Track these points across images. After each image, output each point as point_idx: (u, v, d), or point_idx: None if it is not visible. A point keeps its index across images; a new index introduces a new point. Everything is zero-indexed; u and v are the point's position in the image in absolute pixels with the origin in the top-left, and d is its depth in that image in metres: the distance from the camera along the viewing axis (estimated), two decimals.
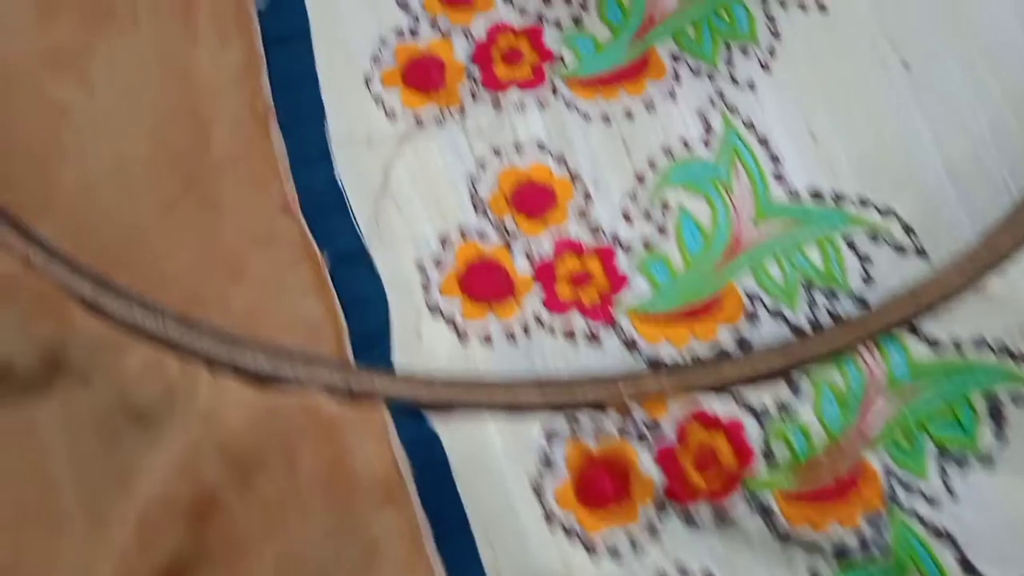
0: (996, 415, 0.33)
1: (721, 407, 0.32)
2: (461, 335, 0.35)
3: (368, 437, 0.31)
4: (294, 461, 0.31)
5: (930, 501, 0.33)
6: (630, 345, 0.35)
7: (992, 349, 0.33)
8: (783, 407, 0.33)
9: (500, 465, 0.32)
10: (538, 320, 0.35)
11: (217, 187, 0.37)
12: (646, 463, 0.32)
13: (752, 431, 0.32)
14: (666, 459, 0.32)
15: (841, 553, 0.32)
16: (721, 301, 0.36)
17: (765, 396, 0.33)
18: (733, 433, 0.32)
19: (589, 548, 0.32)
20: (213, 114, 0.38)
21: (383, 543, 0.30)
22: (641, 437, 0.32)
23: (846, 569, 0.32)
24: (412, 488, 0.31)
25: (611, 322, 0.35)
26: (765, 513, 0.32)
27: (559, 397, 0.33)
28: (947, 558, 0.32)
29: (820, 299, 0.36)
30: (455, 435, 0.32)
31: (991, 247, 0.35)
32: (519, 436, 0.32)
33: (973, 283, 0.34)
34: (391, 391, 0.32)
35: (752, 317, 0.35)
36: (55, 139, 0.38)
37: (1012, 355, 0.33)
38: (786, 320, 0.35)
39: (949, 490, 0.33)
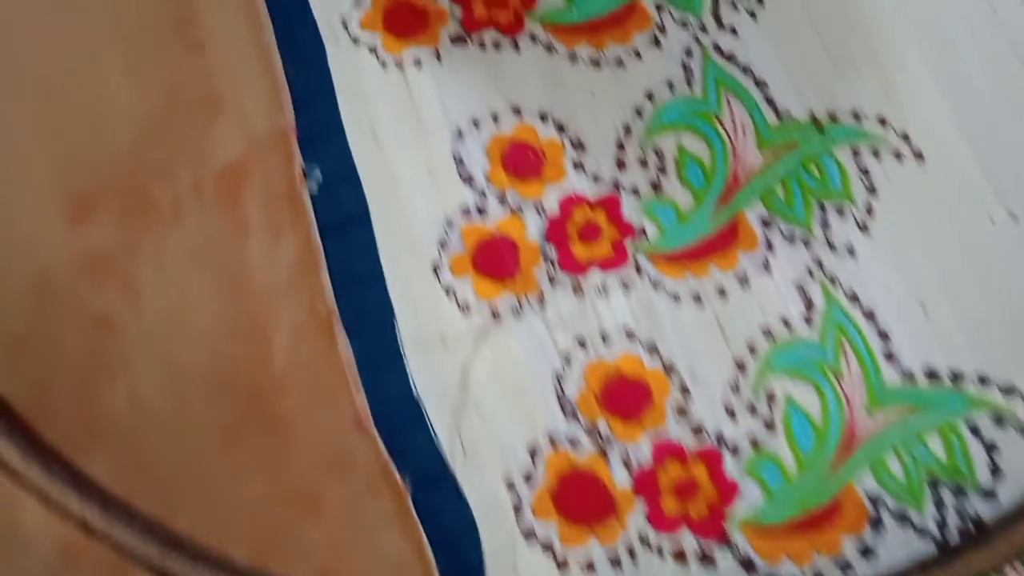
0: None
1: None
2: (560, 564, 0.33)
3: None
4: None
5: None
6: (747, 565, 0.32)
7: None
8: None
9: None
10: (644, 541, 0.33)
11: (282, 405, 0.34)
12: None
13: None
14: None
15: None
16: (841, 506, 0.33)
17: None
18: None
19: None
20: (272, 319, 0.35)
21: None
22: None
23: None
24: None
25: (724, 539, 0.33)
26: None
27: None
28: None
29: (948, 498, 0.33)
30: None
31: None
32: None
33: None
34: None
35: (876, 524, 0.33)
36: (100, 358, 0.35)
37: None
38: (913, 524, 0.33)
39: None
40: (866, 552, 0.32)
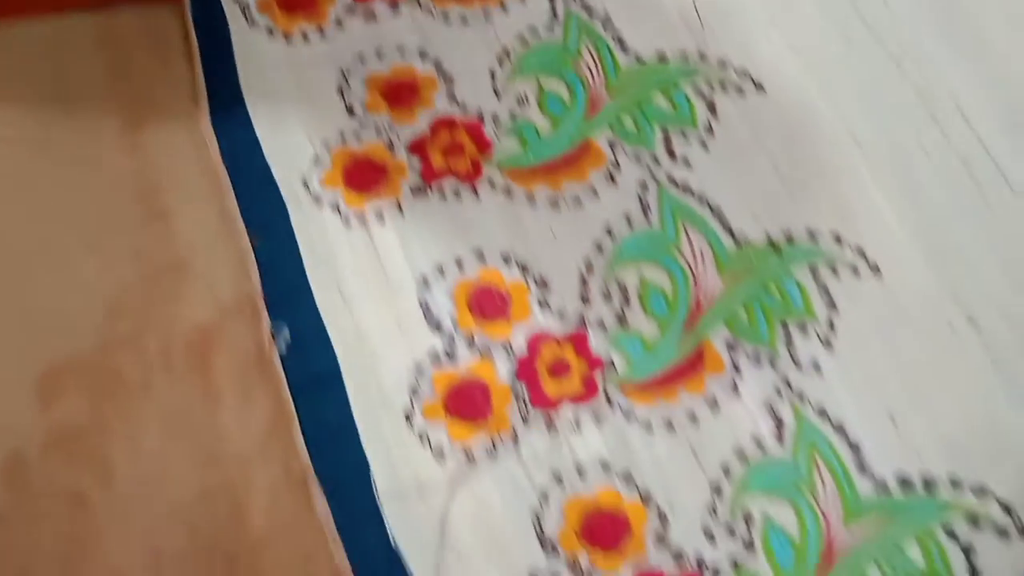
0: None
1: None
2: None
3: None
4: None
5: None
6: None
7: None
8: None
9: None
10: None
11: (261, 568, 0.36)
12: None
13: None
14: None
15: None
16: None
17: None
18: None
19: None
20: (247, 484, 0.37)
21: None
22: None
23: None
24: None
25: None
26: None
27: None
28: None
29: None
30: None
31: None
32: None
33: None
34: None
35: None
36: (76, 538, 0.37)
37: None
38: None
39: None
40: None
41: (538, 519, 0.37)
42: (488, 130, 0.42)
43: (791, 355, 0.39)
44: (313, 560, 0.36)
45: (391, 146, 0.42)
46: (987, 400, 0.39)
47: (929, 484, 0.37)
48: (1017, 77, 0.43)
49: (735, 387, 0.39)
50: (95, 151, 0.42)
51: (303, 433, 0.38)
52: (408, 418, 0.39)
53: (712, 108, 0.43)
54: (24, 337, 0.40)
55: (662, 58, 0.44)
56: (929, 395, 0.39)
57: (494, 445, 0.38)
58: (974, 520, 0.36)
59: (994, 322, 0.40)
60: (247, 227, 0.41)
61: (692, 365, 0.39)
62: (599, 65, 0.43)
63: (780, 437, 0.38)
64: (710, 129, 0.42)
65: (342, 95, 0.43)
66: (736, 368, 0.39)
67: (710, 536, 0.37)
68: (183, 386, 0.39)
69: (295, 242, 0.41)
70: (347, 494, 0.37)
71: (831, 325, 0.40)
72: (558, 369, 0.39)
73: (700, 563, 0.36)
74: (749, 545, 0.36)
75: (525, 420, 0.38)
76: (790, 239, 0.41)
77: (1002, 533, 0.36)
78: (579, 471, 0.38)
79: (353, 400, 0.39)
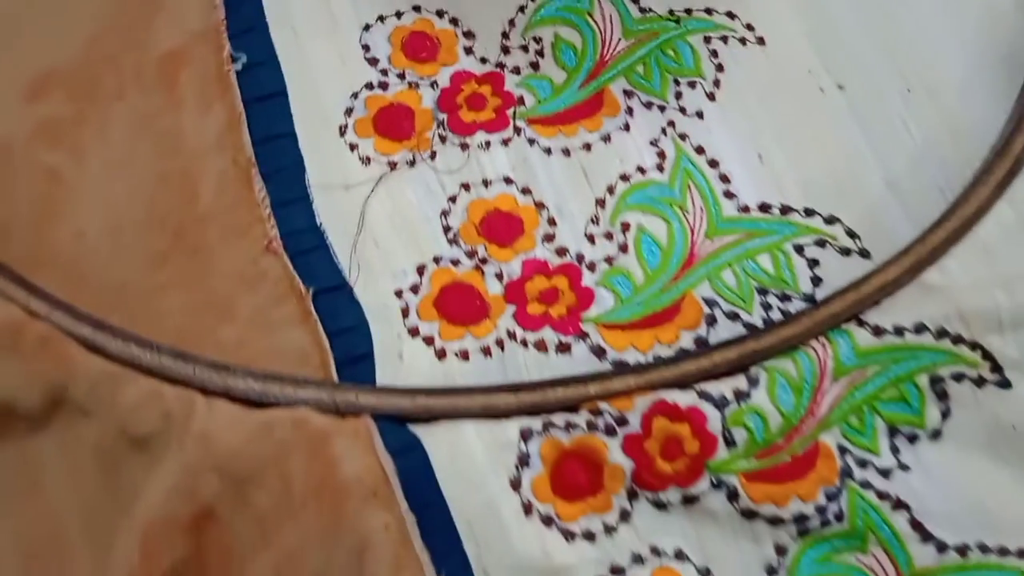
0: (940, 393, 0.38)
1: (683, 399, 0.37)
2: (439, 354, 0.40)
3: (355, 446, 0.36)
4: (286, 473, 0.36)
5: (883, 473, 0.37)
6: (598, 353, 0.40)
7: (931, 333, 0.38)
8: (741, 396, 0.37)
9: (480, 464, 0.36)
10: (511, 335, 0.40)
11: (205, 236, 0.42)
12: (616, 454, 0.36)
13: (713, 419, 0.37)
14: (634, 449, 0.36)
15: (802, 526, 0.36)
16: (681, 308, 0.40)
17: (724, 388, 0.37)
18: (695, 422, 0.37)
19: (566, 535, 0.36)
20: (199, 172, 0.43)
21: (373, 541, 0.34)
22: (610, 431, 0.37)
23: (809, 541, 0.36)
24: (398, 490, 0.35)
25: (580, 333, 0.40)
26: (730, 494, 0.36)
27: (533, 399, 0.37)
28: (901, 523, 0.36)
29: (774, 301, 0.41)
30: (437, 440, 0.37)
31: (926, 243, 0.39)
32: (497, 437, 0.37)
33: (911, 276, 0.39)
34: (374, 404, 0.37)
35: (711, 321, 0.40)
36: (49, 203, 0.43)
37: (950, 337, 0.38)
38: (742, 322, 0.40)
39: (900, 463, 0.37)
40: (701, 343, 0.40)
41: (445, 216, 0.43)
42: None
43: (679, 105, 0.45)
44: (248, 232, 0.42)
45: None
46: (847, 151, 0.44)
47: (787, 210, 0.43)
48: None
49: (627, 127, 0.45)
50: None
51: (251, 135, 0.44)
52: (342, 131, 0.45)
53: None
54: (17, 48, 0.46)
55: None
56: (796, 143, 0.44)
57: (414, 159, 0.44)
58: (821, 241, 0.42)
59: (859, 88, 0.45)
60: None
61: (592, 106, 0.45)
62: None
63: (661, 168, 0.44)
64: None
65: None
66: (630, 112, 0.45)
67: (591, 239, 0.42)
68: (152, 95, 0.45)
69: None
70: (283, 183, 0.43)
71: (716, 83, 0.45)
72: (475, 102, 0.45)
73: (580, 258, 0.42)
74: (623, 248, 0.42)
75: (443, 140, 0.44)
76: (689, 12, 0.47)
77: (845, 252, 0.42)
78: (485, 183, 0.44)
79: (295, 114, 0.45)
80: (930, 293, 0.39)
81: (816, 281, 0.41)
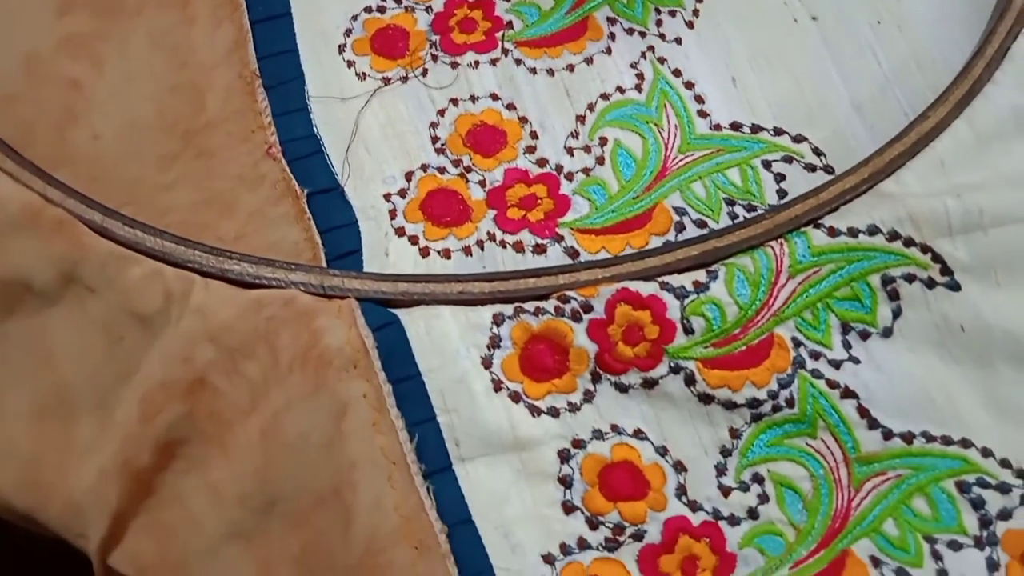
0: (891, 293, 0.39)
1: (645, 288, 0.39)
2: (423, 252, 0.42)
3: (338, 321, 0.38)
4: (275, 346, 0.38)
5: (834, 364, 0.39)
6: (572, 255, 0.42)
7: (884, 235, 0.40)
8: (700, 287, 0.39)
9: (454, 343, 0.38)
10: (491, 237, 0.42)
11: (210, 141, 0.44)
12: (581, 337, 0.38)
13: (672, 308, 0.39)
14: (598, 333, 0.38)
15: (755, 411, 0.38)
16: (652, 216, 0.42)
17: (684, 280, 0.39)
18: (656, 309, 0.38)
19: (532, 410, 0.38)
20: (208, 84, 0.45)
21: (352, 407, 0.37)
22: (576, 316, 0.39)
23: (762, 426, 0.38)
24: (376, 362, 0.37)
25: (555, 236, 0.42)
26: (687, 378, 0.38)
27: (506, 287, 0.39)
28: (849, 410, 0.38)
29: (740, 212, 0.42)
30: (414, 319, 0.39)
31: (884, 156, 0.41)
32: (471, 319, 0.39)
33: (868, 185, 0.41)
34: (358, 288, 0.39)
35: (680, 228, 0.42)
36: (70, 108, 0.45)
37: (901, 240, 0.40)
38: (710, 229, 0.42)
39: (852, 357, 0.39)
40: (667, 245, 0.42)
41: (433, 128, 0.45)
42: None
43: (659, 31, 0.47)
44: (250, 138, 0.45)
45: None
46: (817, 77, 0.46)
47: (756, 130, 0.45)
48: None
49: (608, 50, 0.46)
50: None
51: (256, 52, 0.46)
52: (340, 50, 0.47)
53: None
54: None
55: None
56: (769, 69, 0.46)
57: (407, 75, 0.46)
58: (788, 158, 0.44)
59: (831, 19, 0.47)
60: None
61: (576, 31, 0.47)
62: None
63: (639, 88, 0.46)
64: None
65: None
66: (612, 37, 0.47)
67: (570, 151, 0.44)
68: (168, 12, 0.48)
69: None
70: (284, 95, 0.45)
71: (695, 12, 0.47)
72: (467, 25, 0.47)
73: (559, 168, 0.44)
74: (600, 160, 0.44)
75: (435, 60, 0.46)
76: None
77: (810, 168, 0.43)
78: (472, 99, 0.46)
79: (298, 33, 0.47)
80: (885, 200, 0.40)
81: (782, 194, 0.43)
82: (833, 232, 0.40)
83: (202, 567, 0.37)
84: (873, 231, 0.40)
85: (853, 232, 0.40)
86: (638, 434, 0.38)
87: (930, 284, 0.39)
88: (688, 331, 0.38)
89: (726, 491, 0.37)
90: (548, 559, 0.36)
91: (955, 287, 0.39)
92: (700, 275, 0.39)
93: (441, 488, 0.36)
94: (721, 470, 0.38)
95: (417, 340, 0.38)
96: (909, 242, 0.39)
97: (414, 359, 0.38)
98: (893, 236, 0.39)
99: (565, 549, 0.36)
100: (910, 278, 0.39)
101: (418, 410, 0.37)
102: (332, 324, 0.38)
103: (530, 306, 0.39)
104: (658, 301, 0.39)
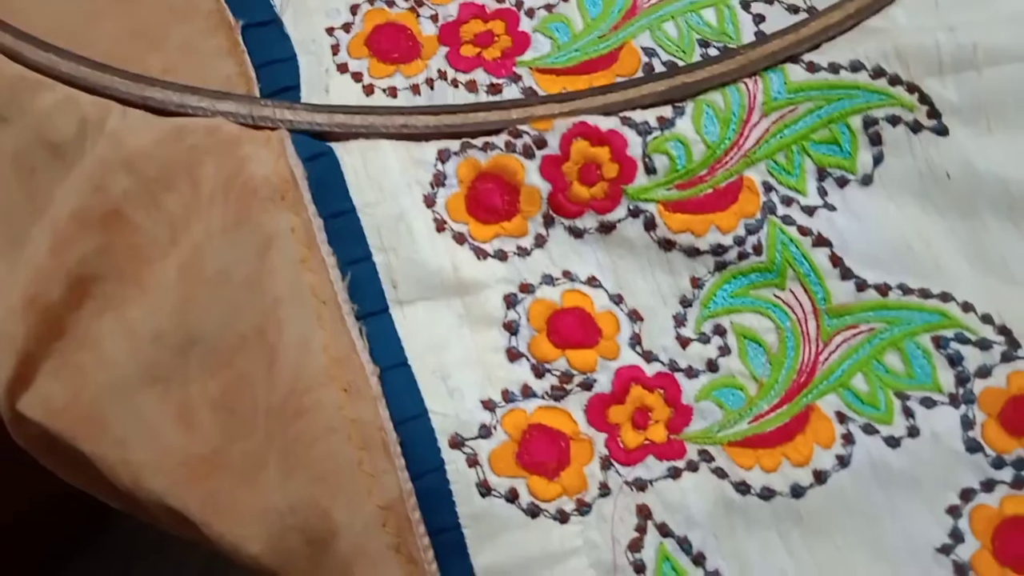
0: (873, 137, 0.37)
1: (605, 123, 0.36)
2: (366, 90, 0.39)
3: (266, 150, 0.35)
4: (196, 178, 0.35)
5: (807, 211, 0.36)
6: (529, 94, 0.38)
7: (868, 71, 0.37)
8: (665, 123, 0.36)
9: (394, 179, 0.35)
10: (442, 75, 0.39)
11: None
12: (533, 176, 0.35)
13: (634, 144, 0.36)
14: (552, 171, 0.35)
15: (719, 258, 0.35)
16: (619, 56, 0.39)
17: (648, 115, 0.36)
18: (615, 145, 0.36)
19: (478, 253, 0.35)
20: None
21: (277, 241, 0.34)
22: (528, 152, 0.36)
23: (726, 275, 0.35)
24: (307, 194, 0.35)
25: (512, 75, 0.39)
26: (647, 222, 0.35)
27: (453, 121, 0.36)
28: (821, 258, 0.35)
29: (714, 52, 0.39)
30: (351, 152, 0.36)
31: None
32: (413, 155, 0.36)
33: (854, 21, 0.37)
34: (291, 119, 0.36)
35: (648, 70, 0.39)
36: None
37: (887, 77, 0.37)
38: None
39: (827, 204, 0.36)
40: (632, 80, 0.38)
41: None
42: None
43: None
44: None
45: None
46: None
47: None
48: None
49: None
50: None
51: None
52: None
53: None
54: None
55: None
56: None
57: None
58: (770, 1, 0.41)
59: None
60: None
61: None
62: None
63: None
64: None
65: None
66: None
67: None
68: None
69: None
70: None
71: None
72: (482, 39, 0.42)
73: (519, 4, 0.40)
74: None
75: None
76: None
77: (792, 10, 0.40)
78: None
79: None
80: (871, 35, 0.37)
81: (759, 35, 0.40)
82: (812, 68, 0.37)
83: (117, 412, 0.35)
84: (856, 67, 0.37)
85: (834, 68, 0.37)
86: (592, 281, 0.35)
87: (915, 127, 0.37)
88: (650, 170, 0.36)
89: (684, 342, 0.35)
90: (488, 405, 0.33)
91: (942, 131, 0.37)
92: (666, 111, 0.36)
93: (376, 331, 0.34)
94: (680, 320, 0.35)
95: (353, 173, 0.35)
96: (895, 80, 0.36)
97: (348, 193, 0.35)
98: (878, 73, 0.36)
99: (507, 396, 0.33)
100: (894, 120, 0.36)
101: (352, 248, 0.34)
102: (259, 153, 0.35)
103: (479, 141, 0.36)
104: (618, 137, 0.36)
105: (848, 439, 0.34)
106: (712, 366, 0.35)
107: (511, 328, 0.34)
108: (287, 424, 0.32)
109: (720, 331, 0.35)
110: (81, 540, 0.72)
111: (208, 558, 0.54)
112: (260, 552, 0.32)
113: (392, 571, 0.31)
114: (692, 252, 0.35)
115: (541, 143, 0.36)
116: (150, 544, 0.70)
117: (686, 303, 0.35)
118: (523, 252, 0.35)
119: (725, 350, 0.35)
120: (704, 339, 0.35)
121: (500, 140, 0.36)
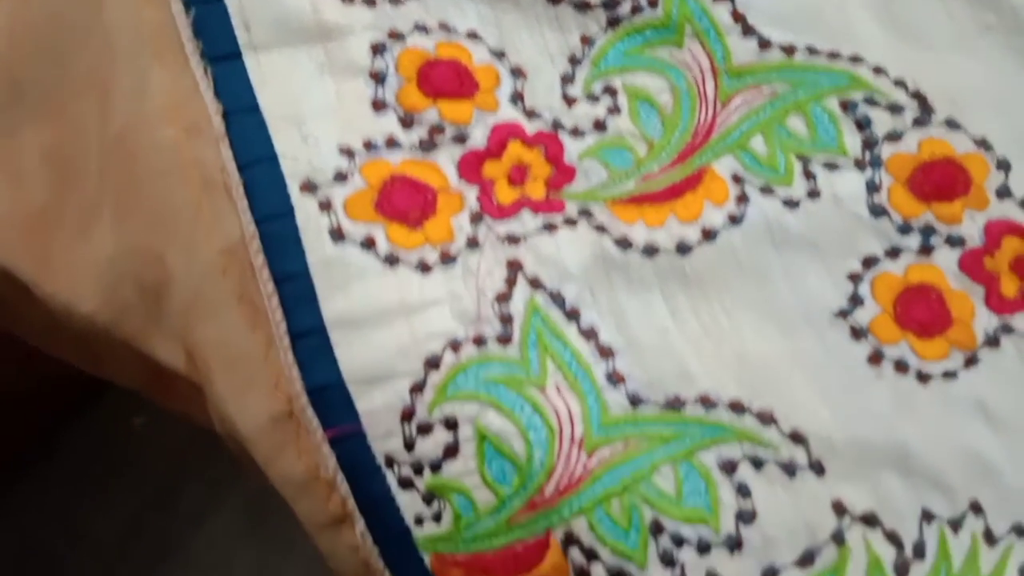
0: None
1: None
2: None
3: None
4: None
5: None
6: None
7: None
8: None
9: None
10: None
11: None
12: None
13: None
14: None
15: (612, 13, 0.33)
16: None
17: None
18: None
19: None
20: None
21: None
22: None
23: (620, 33, 0.33)
24: None
25: None
26: None
27: None
28: (722, 14, 0.33)
29: None
30: None
31: None
32: None
33: None
34: None
35: None
36: None
37: None
38: None
39: None
40: None
41: None
42: None
43: None
44: None
45: None
46: None
47: None
48: None
49: None
50: None
51: None
52: None
53: None
54: None
55: None
56: None
57: None
58: None
59: None
60: None
61: None
62: None
63: None
64: None
65: None
66: None
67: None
68: None
69: None
70: None
71: None
72: None
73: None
74: None
75: None
76: None
77: None
78: None
79: None
80: None
81: None
82: None
83: None
84: None
85: None
86: (471, 35, 0.32)
87: None
88: None
89: (571, 101, 0.32)
90: (346, 151, 0.30)
91: None
92: None
93: (224, 74, 0.31)
94: (567, 79, 0.32)
95: None
96: None
97: None
98: None
99: (369, 146, 0.31)
100: None
101: None
102: None
103: None
104: None
105: (742, 199, 0.31)
106: (600, 125, 0.32)
107: (378, 78, 0.31)
108: (120, 169, 0.29)
109: (611, 91, 0.32)
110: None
111: None
112: (93, 309, 0.30)
113: (233, 319, 0.28)
114: (582, 6, 0.33)
115: None
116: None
117: (575, 61, 0.33)
118: (395, 0, 0.32)
119: (614, 110, 0.32)
120: (592, 99, 0.32)
121: None
